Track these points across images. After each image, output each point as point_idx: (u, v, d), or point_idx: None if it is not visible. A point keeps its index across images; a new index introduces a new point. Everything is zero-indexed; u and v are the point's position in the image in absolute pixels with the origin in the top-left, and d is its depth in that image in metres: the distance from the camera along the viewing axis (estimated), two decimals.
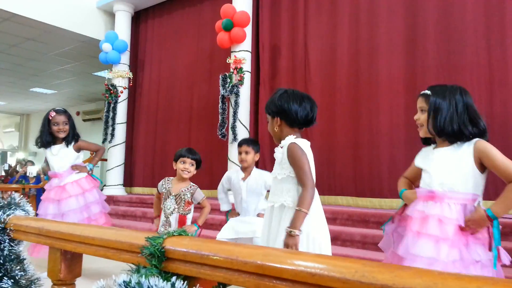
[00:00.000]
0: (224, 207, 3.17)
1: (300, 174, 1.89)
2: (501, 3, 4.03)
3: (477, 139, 1.67)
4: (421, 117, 1.78)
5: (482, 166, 1.67)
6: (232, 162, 5.34)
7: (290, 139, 1.96)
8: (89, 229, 1.33)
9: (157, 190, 3.03)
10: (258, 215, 3.01)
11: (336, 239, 3.82)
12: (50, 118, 3.33)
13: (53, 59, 8.72)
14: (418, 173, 1.88)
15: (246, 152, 2.97)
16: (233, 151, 5.36)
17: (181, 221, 2.89)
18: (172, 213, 2.87)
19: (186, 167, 2.88)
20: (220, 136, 5.48)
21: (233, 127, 5.31)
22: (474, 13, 4.16)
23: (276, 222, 1.95)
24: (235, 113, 5.36)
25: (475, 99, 4.11)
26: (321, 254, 1.72)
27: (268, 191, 2.60)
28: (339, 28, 5.07)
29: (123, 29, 7.11)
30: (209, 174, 6.14)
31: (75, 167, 3.38)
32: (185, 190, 2.91)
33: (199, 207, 3.01)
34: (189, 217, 2.96)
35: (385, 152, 4.53)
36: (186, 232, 1.12)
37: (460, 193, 1.67)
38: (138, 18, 7.59)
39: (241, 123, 5.36)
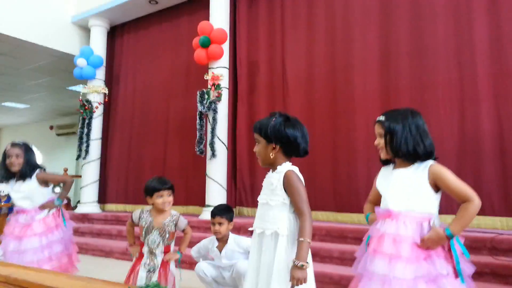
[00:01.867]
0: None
1: (298, 203, 1.85)
2: (470, 22, 4.17)
3: (431, 162, 1.79)
4: (380, 141, 1.92)
5: (436, 186, 1.78)
6: (211, 178, 5.29)
7: (287, 166, 1.93)
8: (59, 279, 1.27)
9: (131, 219, 2.92)
10: None
11: (315, 255, 3.81)
12: (6, 150, 3.17)
13: (26, 74, 8.52)
14: (380, 195, 1.96)
15: (220, 223, 2.95)
16: (212, 167, 5.32)
17: (166, 251, 2.83)
18: (158, 246, 2.79)
19: (165, 200, 2.78)
20: (198, 153, 5.42)
21: (212, 144, 5.26)
22: (445, 32, 4.29)
23: (270, 251, 1.87)
24: (213, 129, 5.32)
25: (447, 116, 4.24)
26: None
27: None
28: (316, 45, 5.15)
29: (98, 44, 7.03)
30: (185, 190, 6.05)
31: (42, 207, 3.20)
32: (168, 221, 2.82)
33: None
34: (172, 244, 2.91)
35: (362, 168, 4.58)
36: (160, 286, 1.10)
37: (415, 211, 1.78)
38: (114, 33, 7.52)
39: (220, 139, 5.32)
